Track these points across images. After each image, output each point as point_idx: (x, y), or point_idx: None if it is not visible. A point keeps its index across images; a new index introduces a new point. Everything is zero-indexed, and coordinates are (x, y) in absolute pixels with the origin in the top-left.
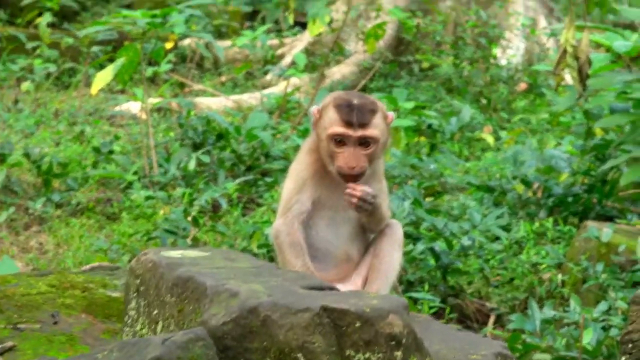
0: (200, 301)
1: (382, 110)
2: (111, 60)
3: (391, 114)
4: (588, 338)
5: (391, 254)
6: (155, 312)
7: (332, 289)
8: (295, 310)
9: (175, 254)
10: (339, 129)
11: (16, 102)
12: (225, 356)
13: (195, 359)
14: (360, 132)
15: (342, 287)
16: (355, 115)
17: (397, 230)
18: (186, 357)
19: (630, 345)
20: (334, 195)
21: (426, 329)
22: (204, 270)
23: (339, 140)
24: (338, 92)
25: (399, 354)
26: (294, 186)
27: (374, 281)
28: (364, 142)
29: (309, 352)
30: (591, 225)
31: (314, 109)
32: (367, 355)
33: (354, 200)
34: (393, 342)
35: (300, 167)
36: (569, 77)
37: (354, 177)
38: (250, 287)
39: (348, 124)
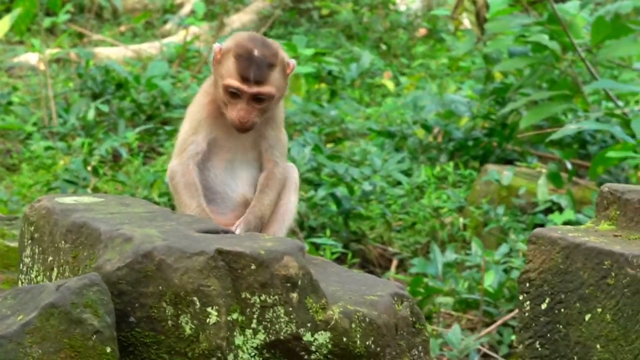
0: (94, 247)
1: (282, 63)
2: (8, 10)
3: (292, 62)
4: (490, 280)
5: (287, 197)
6: (50, 258)
7: (227, 232)
8: (190, 253)
9: (69, 200)
10: (234, 83)
11: None
12: (120, 301)
13: (90, 305)
14: (255, 89)
15: (239, 231)
16: (252, 70)
17: (293, 174)
18: (81, 302)
19: (527, 285)
20: (231, 137)
21: (323, 271)
22: (98, 215)
23: (234, 93)
24: (242, 36)
25: (294, 295)
26: (189, 127)
27: (271, 224)
28: (258, 98)
29: (204, 296)
30: (491, 168)
31: (216, 46)
32: (263, 297)
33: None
34: (288, 284)
35: (196, 108)
36: (467, 22)
37: (245, 130)
38: (145, 231)
39: (244, 79)
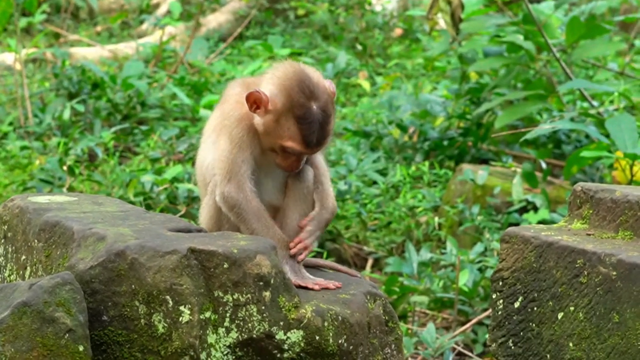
0: (67, 246)
1: (333, 101)
2: None
3: (333, 87)
4: (464, 279)
5: None
6: (23, 257)
7: (199, 231)
8: (163, 252)
9: (42, 199)
10: (298, 148)
11: None
12: (93, 300)
13: (63, 304)
14: (316, 149)
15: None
16: (317, 134)
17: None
18: (53, 301)
19: (500, 283)
20: (265, 153)
21: None
22: (71, 215)
23: (289, 151)
24: (293, 86)
25: (267, 294)
26: (232, 145)
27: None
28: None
29: (177, 294)
30: (467, 168)
31: (263, 95)
32: (235, 296)
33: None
34: (261, 283)
35: (232, 123)
36: (443, 22)
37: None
38: (118, 230)
39: (308, 144)
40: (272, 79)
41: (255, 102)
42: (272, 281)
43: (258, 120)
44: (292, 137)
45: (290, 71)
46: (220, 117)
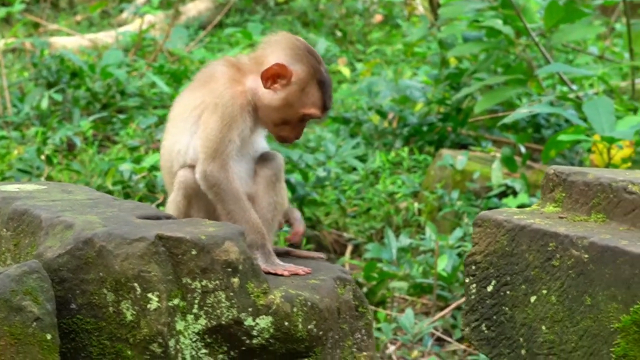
0: (35, 234)
1: None
2: None
3: None
4: (443, 265)
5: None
6: None
7: (168, 217)
8: (131, 239)
9: (11, 187)
10: (318, 113)
11: None
12: (61, 288)
13: (30, 292)
14: (328, 112)
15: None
16: (331, 98)
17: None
18: (20, 290)
19: (474, 267)
20: (250, 132)
21: None
22: (40, 203)
23: (306, 119)
24: (306, 54)
25: (235, 280)
26: (222, 123)
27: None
28: None
29: (145, 282)
30: (446, 153)
31: (283, 64)
32: (203, 282)
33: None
34: (229, 269)
35: (225, 101)
36: (422, 7)
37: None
38: (86, 218)
39: (326, 108)
40: (281, 51)
41: (274, 75)
42: (240, 267)
43: (272, 95)
44: (314, 104)
45: (294, 41)
46: (207, 96)
